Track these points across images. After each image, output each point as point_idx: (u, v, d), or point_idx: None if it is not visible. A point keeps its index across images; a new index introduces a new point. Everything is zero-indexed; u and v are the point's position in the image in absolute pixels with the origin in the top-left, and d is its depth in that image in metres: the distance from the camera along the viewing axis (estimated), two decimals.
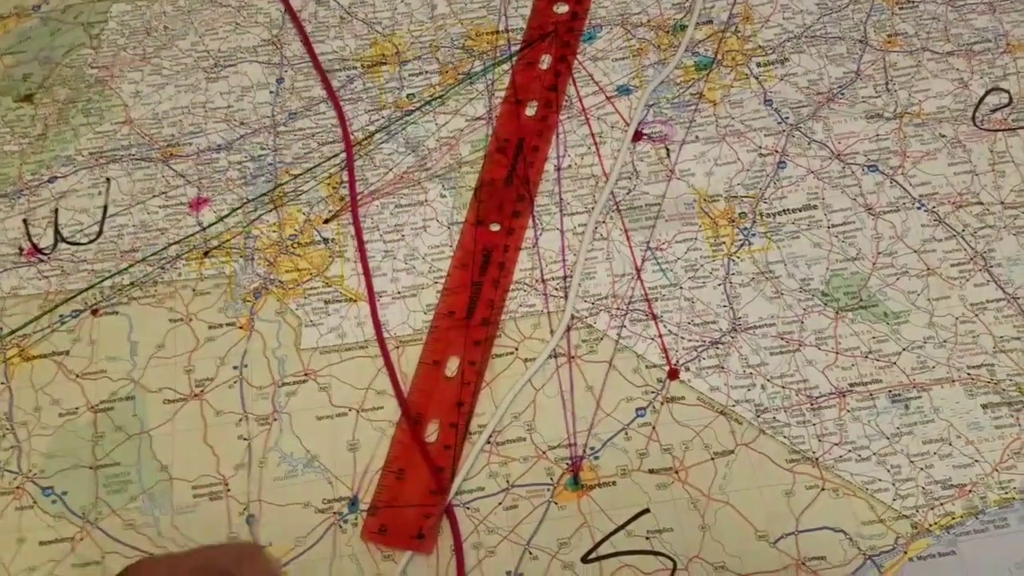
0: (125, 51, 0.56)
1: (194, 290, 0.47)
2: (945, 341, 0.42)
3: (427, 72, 0.53)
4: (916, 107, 0.49)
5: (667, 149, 0.49)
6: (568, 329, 0.45)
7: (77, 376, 0.45)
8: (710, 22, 0.53)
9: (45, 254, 0.48)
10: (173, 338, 0.45)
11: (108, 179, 0.51)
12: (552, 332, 0.45)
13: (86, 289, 0.47)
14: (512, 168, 0.49)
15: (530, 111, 0.51)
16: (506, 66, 0.53)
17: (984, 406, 0.41)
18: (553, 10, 0.55)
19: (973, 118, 0.49)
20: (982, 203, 0.46)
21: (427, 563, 0.39)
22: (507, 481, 0.41)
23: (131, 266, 0.48)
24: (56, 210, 0.50)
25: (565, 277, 0.46)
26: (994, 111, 0.49)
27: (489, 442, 0.42)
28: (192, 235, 0.48)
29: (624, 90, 0.52)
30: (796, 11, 0.53)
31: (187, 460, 0.42)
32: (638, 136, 0.50)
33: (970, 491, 0.39)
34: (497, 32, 0.55)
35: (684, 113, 0.50)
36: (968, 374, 0.42)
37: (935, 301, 0.44)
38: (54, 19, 0.57)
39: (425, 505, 0.40)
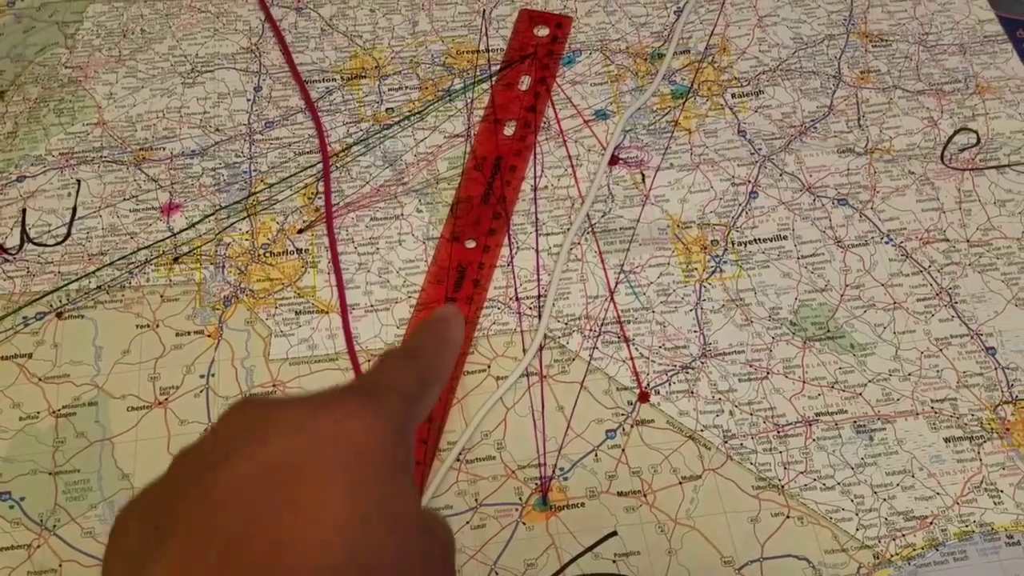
0: (100, 52, 0.55)
1: (162, 296, 0.46)
2: (910, 374, 0.43)
3: (407, 87, 0.54)
4: (887, 143, 0.50)
5: (642, 174, 0.50)
6: (541, 348, 0.45)
7: (39, 379, 0.44)
8: (687, 52, 0.54)
9: (11, 254, 0.47)
10: (139, 344, 0.45)
11: (78, 180, 0.50)
12: (525, 351, 0.45)
13: (52, 291, 0.46)
14: (489, 186, 0.50)
15: (508, 131, 0.51)
16: (485, 85, 0.53)
17: (947, 440, 0.42)
18: (534, 32, 0.55)
19: (942, 156, 0.50)
20: (948, 240, 0.47)
21: None
22: (476, 499, 0.41)
23: (99, 269, 0.47)
24: (24, 210, 0.49)
25: (539, 296, 0.46)
26: (962, 151, 0.50)
27: (459, 459, 0.42)
28: (162, 240, 0.48)
29: (602, 114, 0.52)
30: (772, 44, 0.54)
31: (150, 469, 0.42)
32: (614, 160, 0.50)
33: (931, 523, 0.40)
34: (478, 51, 0.55)
35: (660, 140, 0.51)
36: (932, 407, 0.42)
37: (901, 335, 0.44)
38: (28, 16, 0.57)
39: None
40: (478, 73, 0.54)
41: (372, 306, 0.46)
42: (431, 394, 0.31)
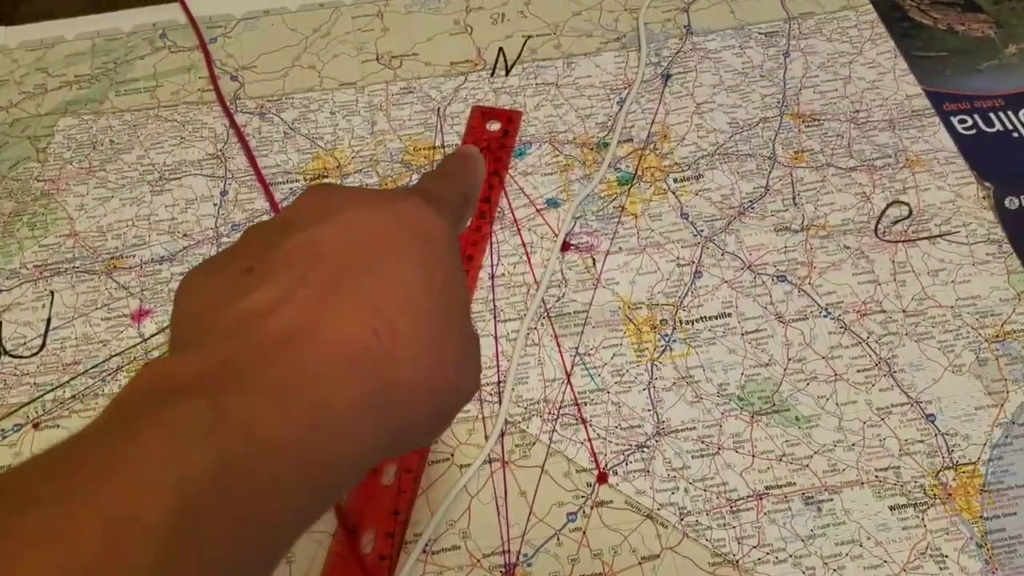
0: (71, 164, 0.57)
1: None
2: (854, 444, 0.45)
3: (367, 184, 0.56)
4: (822, 220, 0.53)
5: (593, 259, 0.52)
6: (502, 434, 0.46)
7: None
8: (631, 140, 0.57)
9: None
10: None
11: (52, 292, 0.52)
12: (487, 437, 0.46)
13: (28, 403, 0.48)
14: None
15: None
16: None
17: (891, 508, 0.43)
18: (486, 127, 0.58)
19: (875, 230, 0.52)
20: (885, 311, 0.49)
21: None
22: None
23: (73, 379, 0.48)
24: (0, 323, 0.51)
25: (499, 382, 0.48)
26: (895, 223, 0.53)
27: (425, 551, 0.43)
28: (133, 346, 0.50)
29: (552, 203, 0.55)
30: (709, 130, 0.57)
31: None
32: (566, 246, 0.53)
33: None
34: (434, 147, 0.57)
35: (608, 225, 0.53)
36: (876, 476, 0.44)
37: (843, 406, 0.46)
38: (1, 132, 0.59)
39: None
40: (435, 168, 0.56)
41: None
42: (469, 211, 0.34)
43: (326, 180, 0.31)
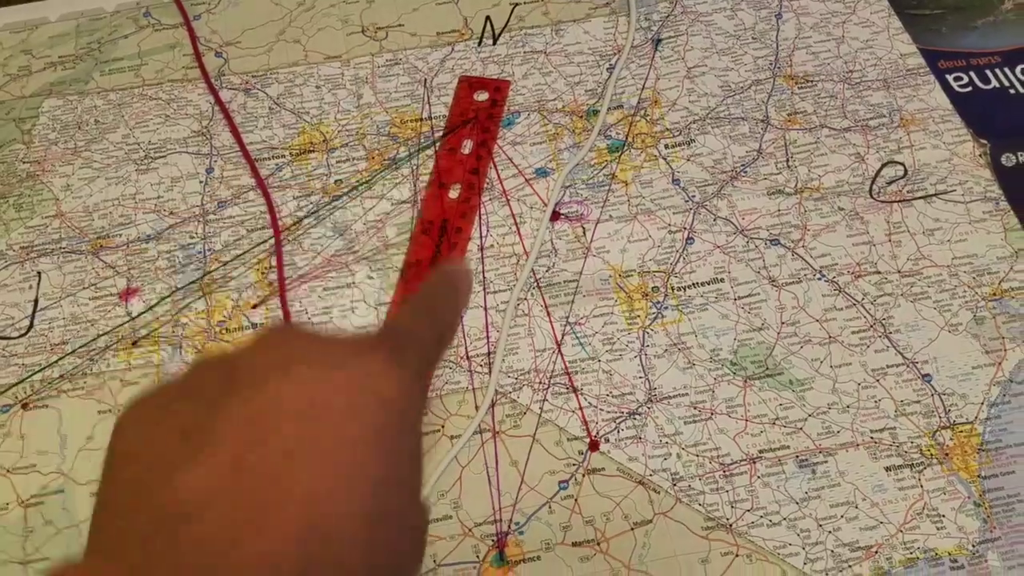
0: (56, 145, 0.57)
1: (122, 380, 0.47)
2: (848, 406, 0.45)
3: (354, 159, 0.55)
4: (816, 182, 0.52)
5: (583, 228, 0.51)
6: (492, 404, 0.46)
7: (7, 471, 0.45)
8: (621, 107, 0.56)
9: None
10: (102, 430, 0.46)
11: (39, 273, 0.51)
12: (477, 408, 0.46)
13: (16, 383, 0.47)
14: (437, 249, 0.51)
15: (453, 194, 0.53)
16: (430, 151, 0.55)
17: (887, 468, 0.43)
18: (474, 97, 0.57)
19: (870, 191, 0.52)
20: (880, 272, 0.49)
21: None
22: (434, 560, 0.42)
23: (61, 359, 0.48)
24: None
25: (489, 353, 0.48)
26: (890, 183, 0.52)
27: None
28: (121, 325, 0.49)
29: (542, 172, 0.54)
30: (701, 94, 0.56)
31: None
32: (556, 216, 0.52)
33: (876, 552, 0.41)
34: (421, 119, 0.57)
35: (598, 193, 0.53)
36: (871, 437, 0.44)
37: (837, 368, 0.46)
38: None
39: None
40: (422, 140, 0.56)
41: None
42: (445, 344, 0.32)
43: (288, 325, 0.29)
